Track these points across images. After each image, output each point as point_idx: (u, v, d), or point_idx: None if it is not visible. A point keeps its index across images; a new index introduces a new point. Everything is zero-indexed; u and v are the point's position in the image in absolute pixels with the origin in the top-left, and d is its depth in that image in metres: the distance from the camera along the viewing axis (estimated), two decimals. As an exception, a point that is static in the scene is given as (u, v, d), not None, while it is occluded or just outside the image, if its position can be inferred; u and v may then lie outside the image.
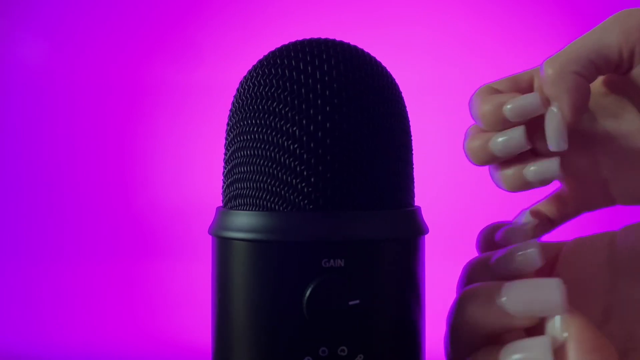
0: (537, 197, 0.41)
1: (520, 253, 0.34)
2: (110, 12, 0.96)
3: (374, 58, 0.33)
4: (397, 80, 0.34)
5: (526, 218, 0.40)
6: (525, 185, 0.37)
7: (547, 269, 0.36)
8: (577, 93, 0.34)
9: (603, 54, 0.34)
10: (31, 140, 0.97)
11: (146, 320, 0.93)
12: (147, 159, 0.96)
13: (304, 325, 0.29)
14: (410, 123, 0.34)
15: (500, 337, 0.31)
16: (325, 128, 0.30)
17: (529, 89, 0.38)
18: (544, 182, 0.37)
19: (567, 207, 0.40)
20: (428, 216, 0.35)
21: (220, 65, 0.92)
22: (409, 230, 0.32)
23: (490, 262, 0.35)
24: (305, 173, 0.30)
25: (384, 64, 0.34)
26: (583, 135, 0.37)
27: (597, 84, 0.38)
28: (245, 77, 0.33)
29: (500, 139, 0.36)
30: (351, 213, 0.30)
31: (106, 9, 0.96)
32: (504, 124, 0.36)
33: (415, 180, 0.34)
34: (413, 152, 0.34)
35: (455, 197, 0.81)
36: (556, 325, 0.29)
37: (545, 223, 0.40)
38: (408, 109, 0.34)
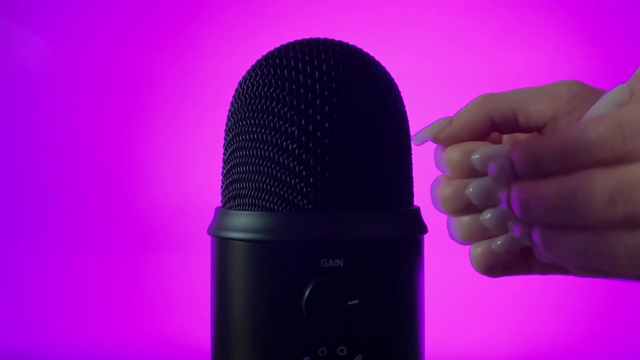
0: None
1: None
2: (110, 13, 0.96)
3: (373, 58, 0.33)
4: (396, 80, 0.34)
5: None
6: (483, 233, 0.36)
7: None
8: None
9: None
10: (32, 139, 0.97)
11: (146, 319, 0.93)
12: (147, 159, 0.96)
13: (303, 325, 0.29)
14: (410, 123, 0.34)
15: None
16: (324, 128, 0.30)
17: None
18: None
19: None
20: (428, 216, 0.34)
21: (221, 64, 0.92)
22: (408, 230, 0.32)
23: None
24: (304, 173, 0.30)
25: (383, 63, 0.34)
26: None
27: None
28: (244, 77, 0.33)
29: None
30: (350, 213, 0.30)
31: (106, 9, 0.96)
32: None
33: (415, 180, 0.34)
34: (412, 152, 0.34)
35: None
36: None
37: None
38: (407, 108, 0.34)
